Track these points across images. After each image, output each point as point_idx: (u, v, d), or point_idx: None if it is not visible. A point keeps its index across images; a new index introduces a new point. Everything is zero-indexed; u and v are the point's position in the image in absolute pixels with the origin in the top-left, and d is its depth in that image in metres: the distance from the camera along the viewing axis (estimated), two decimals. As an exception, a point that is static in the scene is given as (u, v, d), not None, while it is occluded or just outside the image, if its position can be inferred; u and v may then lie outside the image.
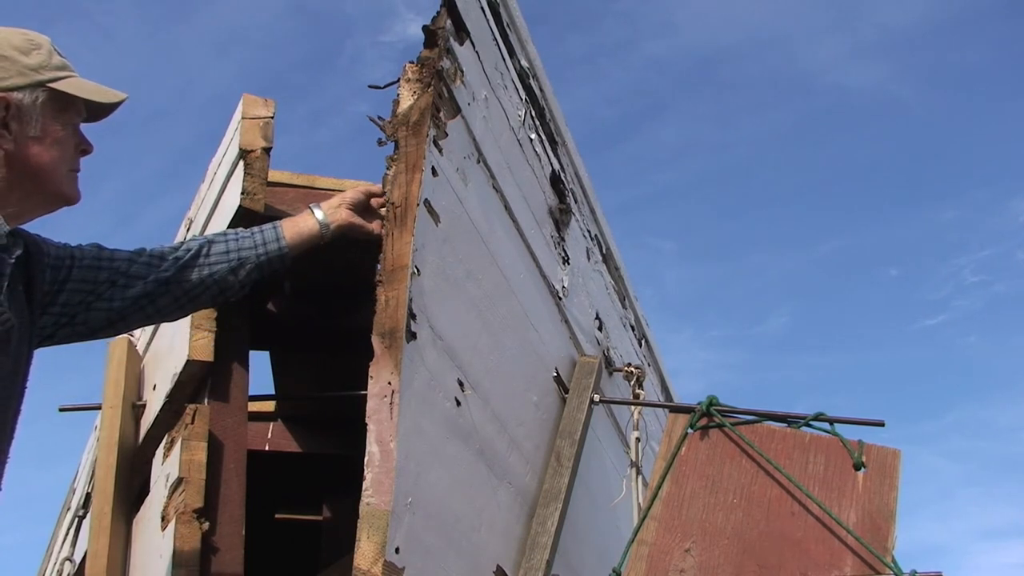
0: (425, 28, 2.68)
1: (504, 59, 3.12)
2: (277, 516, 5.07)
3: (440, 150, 2.65)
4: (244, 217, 3.15)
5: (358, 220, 2.66)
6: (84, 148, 2.18)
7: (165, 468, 3.32)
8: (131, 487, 3.60)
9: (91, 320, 2.31)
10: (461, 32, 2.78)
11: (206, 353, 3.27)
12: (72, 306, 2.26)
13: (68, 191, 2.12)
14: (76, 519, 4.54)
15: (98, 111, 2.23)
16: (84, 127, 2.21)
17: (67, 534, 4.87)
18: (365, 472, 2.28)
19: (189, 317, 3.32)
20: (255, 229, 2.68)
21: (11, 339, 1.99)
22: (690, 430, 2.92)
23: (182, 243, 2.54)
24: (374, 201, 2.71)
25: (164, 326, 3.73)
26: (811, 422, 2.85)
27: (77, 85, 2.11)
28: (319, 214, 2.65)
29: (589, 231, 3.94)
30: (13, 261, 2.00)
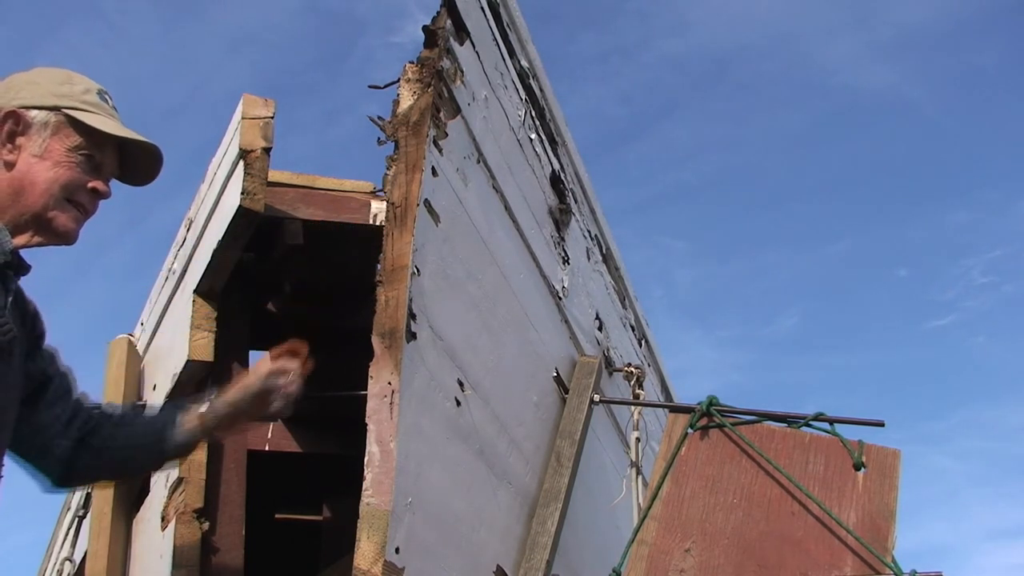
0: (425, 28, 2.68)
1: (504, 59, 3.12)
2: (277, 516, 5.07)
3: (440, 150, 2.65)
4: (244, 217, 3.16)
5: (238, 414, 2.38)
6: (96, 188, 2.07)
7: (165, 468, 3.32)
8: (131, 487, 3.60)
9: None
10: (461, 32, 2.78)
11: (206, 353, 3.28)
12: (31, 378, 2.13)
13: (54, 217, 2.01)
14: (76, 519, 4.54)
15: (135, 171, 2.18)
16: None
17: (67, 534, 4.88)
18: (365, 472, 2.28)
19: (189, 317, 3.33)
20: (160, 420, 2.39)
21: (14, 351, 1.99)
22: (690, 430, 2.92)
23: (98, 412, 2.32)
24: (284, 370, 2.39)
25: (165, 326, 3.74)
26: (811, 422, 2.84)
27: (92, 117, 2.06)
28: (196, 420, 2.35)
29: (589, 231, 3.94)
30: (15, 277, 2.01)
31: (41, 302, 2.18)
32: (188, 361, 3.26)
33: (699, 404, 2.95)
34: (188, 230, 3.72)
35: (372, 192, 3.71)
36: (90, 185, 2.06)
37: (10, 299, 1.99)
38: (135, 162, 2.17)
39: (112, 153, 2.11)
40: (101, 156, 2.08)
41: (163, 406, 2.47)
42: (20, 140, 2.01)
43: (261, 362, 2.42)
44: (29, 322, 2.11)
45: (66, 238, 2.06)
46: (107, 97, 2.14)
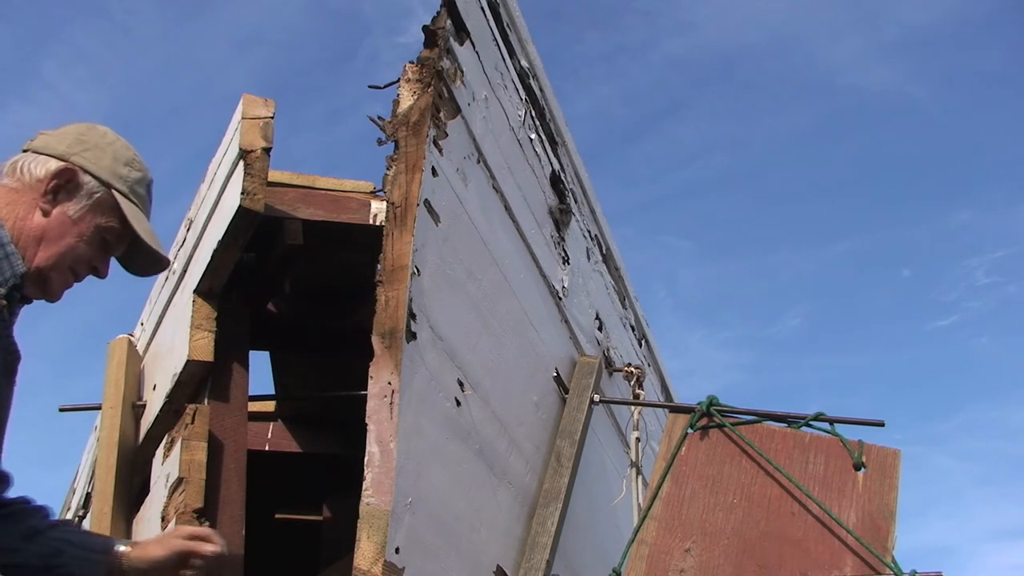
0: (425, 28, 2.68)
1: (504, 59, 3.12)
2: (277, 516, 5.07)
3: (440, 150, 2.65)
4: (244, 216, 3.15)
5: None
6: (96, 266, 2.16)
7: (165, 468, 3.32)
8: (131, 487, 3.60)
9: None
10: (461, 32, 2.78)
11: (206, 353, 3.28)
12: None
13: (52, 279, 2.06)
14: (76, 519, 4.54)
15: (135, 262, 2.24)
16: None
17: (67, 534, 4.87)
18: (365, 472, 2.28)
19: (189, 317, 3.33)
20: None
21: (16, 370, 2.03)
22: (690, 430, 2.92)
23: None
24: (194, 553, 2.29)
25: (165, 326, 3.74)
26: (811, 422, 2.85)
27: (132, 210, 2.14)
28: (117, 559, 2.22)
29: (589, 231, 3.94)
30: (20, 303, 2.04)
31: (41, 301, 2.20)
32: (188, 361, 3.26)
33: (699, 404, 2.95)
34: (188, 230, 3.72)
35: (372, 192, 3.70)
36: (94, 264, 2.15)
37: (16, 320, 2.04)
38: (141, 256, 2.24)
39: (126, 242, 2.20)
40: (117, 242, 2.17)
41: (62, 528, 2.22)
42: (63, 196, 2.08)
43: (180, 528, 2.44)
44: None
45: (50, 299, 2.13)
46: (151, 189, 2.24)
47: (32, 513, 2.17)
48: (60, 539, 2.16)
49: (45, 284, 2.07)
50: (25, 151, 2.13)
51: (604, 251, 4.16)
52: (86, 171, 2.10)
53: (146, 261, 2.25)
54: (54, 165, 2.08)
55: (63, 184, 2.07)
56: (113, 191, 2.12)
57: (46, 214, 2.05)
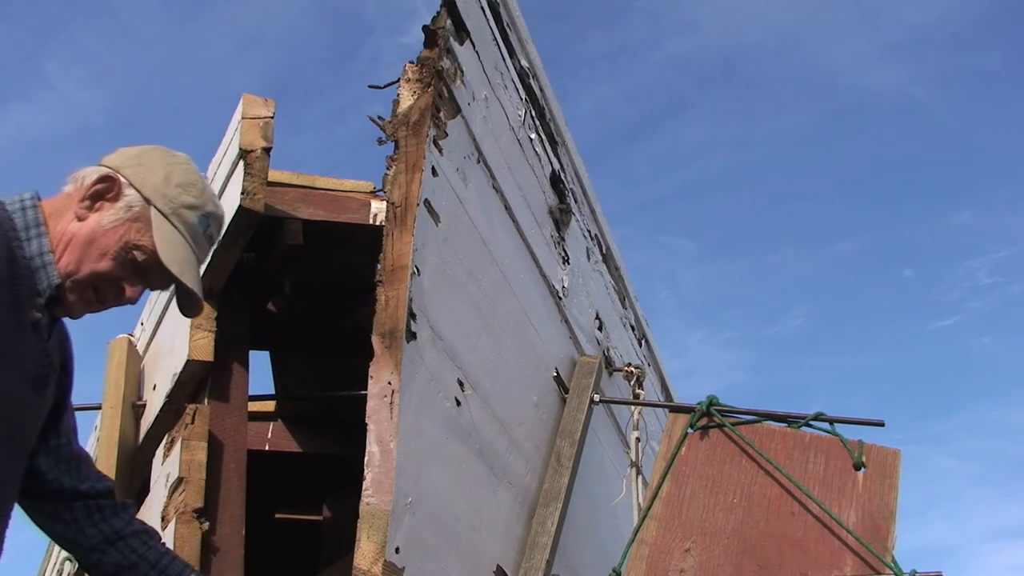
0: (425, 28, 2.68)
1: (504, 59, 3.12)
2: (277, 516, 5.07)
3: (440, 150, 2.65)
4: (244, 216, 3.16)
5: None
6: (125, 291, 1.98)
7: (165, 468, 3.32)
8: (131, 487, 3.60)
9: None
10: (461, 32, 2.78)
11: (206, 353, 3.28)
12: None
13: (69, 294, 1.92)
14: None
15: (181, 301, 2.07)
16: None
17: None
18: (365, 472, 2.28)
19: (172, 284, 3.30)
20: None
21: (49, 383, 1.97)
22: (690, 430, 2.92)
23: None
24: None
25: (165, 326, 3.74)
26: (811, 422, 2.85)
27: (167, 231, 1.97)
28: None
29: (589, 231, 3.94)
30: (57, 316, 1.97)
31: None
32: (188, 361, 3.26)
33: (699, 404, 2.95)
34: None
35: (372, 192, 3.71)
36: (123, 284, 1.98)
37: (54, 330, 1.97)
38: (184, 295, 2.06)
39: (167, 272, 1.99)
40: (150, 266, 1.98)
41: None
42: (101, 203, 1.95)
43: None
44: (63, 352, 2.07)
45: (67, 315, 2.00)
46: (209, 223, 2.05)
47: (117, 512, 2.16)
48: (138, 553, 2.14)
49: (62, 298, 1.93)
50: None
51: (604, 251, 4.16)
52: (131, 183, 1.96)
53: (180, 296, 2.06)
54: (102, 172, 1.97)
55: (103, 191, 1.95)
56: (152, 208, 1.96)
57: (81, 219, 1.94)
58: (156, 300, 3.97)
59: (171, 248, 1.97)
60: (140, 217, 1.96)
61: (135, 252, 1.95)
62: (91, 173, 1.98)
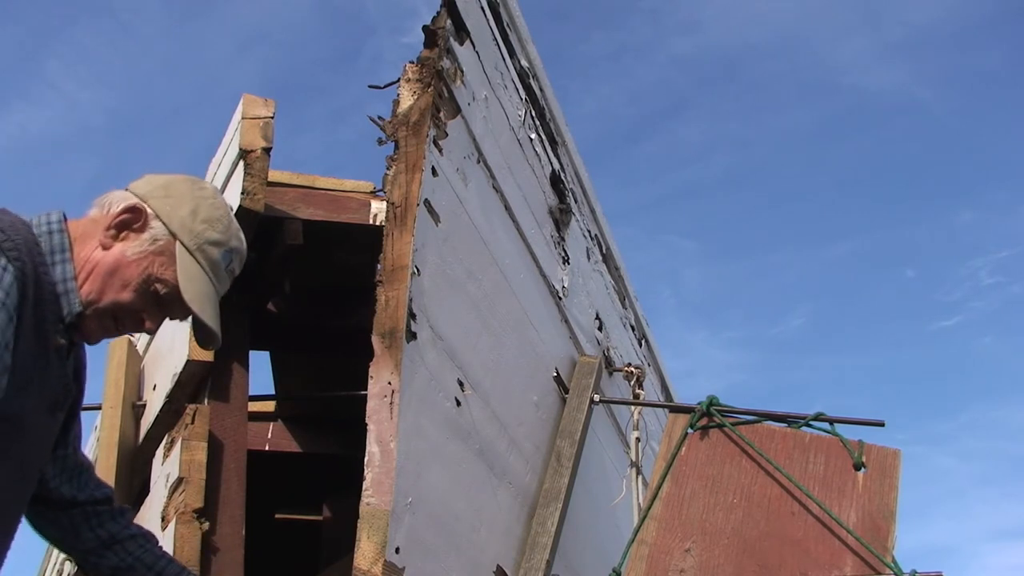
0: (425, 28, 2.68)
1: (504, 59, 3.12)
2: (277, 516, 5.08)
3: (440, 150, 2.65)
4: (244, 217, 3.15)
5: None
6: (144, 322, 1.98)
7: (165, 468, 3.32)
8: (131, 487, 3.60)
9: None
10: (461, 32, 2.78)
11: (206, 353, 3.28)
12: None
13: (89, 322, 1.92)
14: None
15: (198, 333, 2.06)
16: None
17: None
18: (365, 472, 2.28)
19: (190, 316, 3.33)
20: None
21: (66, 405, 1.98)
22: (690, 430, 2.92)
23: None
24: None
25: (165, 326, 3.73)
26: (811, 422, 2.85)
27: (190, 267, 1.97)
28: None
29: (589, 231, 3.94)
30: (79, 341, 1.97)
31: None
32: (188, 361, 3.26)
33: (699, 404, 2.95)
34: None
35: (372, 192, 3.71)
36: (142, 316, 1.98)
37: (72, 356, 1.96)
38: (201, 329, 2.05)
39: (187, 308, 2.00)
40: (171, 299, 1.98)
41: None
42: (127, 233, 1.95)
43: None
44: (78, 373, 2.07)
45: (86, 341, 2.00)
46: (232, 259, 2.05)
47: (114, 516, 2.17)
48: (134, 556, 2.17)
49: (81, 324, 1.92)
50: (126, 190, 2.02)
51: (604, 251, 4.16)
52: (157, 215, 1.96)
53: (199, 330, 2.05)
54: (130, 202, 1.96)
55: (129, 221, 1.94)
56: (177, 242, 1.96)
57: (105, 247, 1.93)
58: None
59: (192, 284, 1.97)
60: (164, 251, 1.96)
61: (157, 285, 1.96)
62: (118, 201, 1.97)
